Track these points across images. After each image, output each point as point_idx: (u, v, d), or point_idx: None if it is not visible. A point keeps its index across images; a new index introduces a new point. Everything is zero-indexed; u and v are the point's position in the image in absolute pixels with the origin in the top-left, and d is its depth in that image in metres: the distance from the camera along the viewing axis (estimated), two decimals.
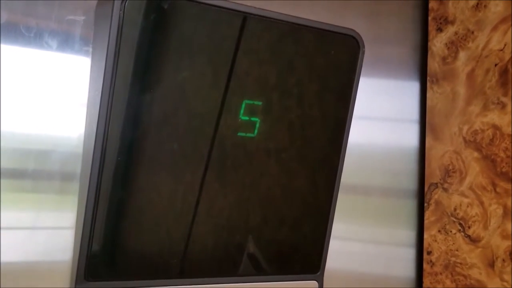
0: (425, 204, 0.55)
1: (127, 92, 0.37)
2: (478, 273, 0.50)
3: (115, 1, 0.36)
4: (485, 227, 0.50)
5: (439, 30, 0.55)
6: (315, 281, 0.47)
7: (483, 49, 0.51)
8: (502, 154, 0.48)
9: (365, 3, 0.56)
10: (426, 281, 0.55)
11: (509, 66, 0.48)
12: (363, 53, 0.45)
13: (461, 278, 0.52)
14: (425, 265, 0.55)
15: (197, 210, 0.41)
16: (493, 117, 0.49)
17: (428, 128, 0.56)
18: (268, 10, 0.41)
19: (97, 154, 0.37)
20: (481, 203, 0.50)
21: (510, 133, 0.48)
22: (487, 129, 0.50)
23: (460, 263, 0.52)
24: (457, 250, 0.52)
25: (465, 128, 0.52)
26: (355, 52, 0.45)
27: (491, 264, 0.49)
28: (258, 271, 0.44)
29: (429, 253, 0.55)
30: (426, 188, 0.55)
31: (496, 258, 0.49)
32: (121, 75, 0.37)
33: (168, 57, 0.38)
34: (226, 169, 0.42)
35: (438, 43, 0.55)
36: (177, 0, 0.38)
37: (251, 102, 0.42)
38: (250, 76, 0.41)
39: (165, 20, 0.38)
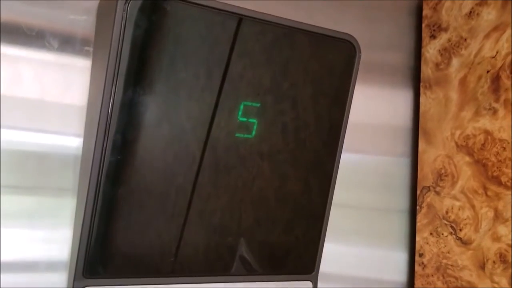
0: (417, 207, 0.56)
1: (129, 92, 0.37)
2: (469, 275, 0.51)
3: (119, 1, 0.36)
4: (476, 230, 0.51)
5: (433, 37, 0.56)
6: (309, 281, 0.47)
7: (475, 56, 0.52)
8: (493, 159, 0.50)
9: (361, 10, 0.57)
10: (418, 283, 0.56)
11: (500, 73, 0.50)
12: (360, 57, 0.46)
13: (452, 279, 0.52)
14: (416, 267, 0.56)
15: (191, 209, 0.41)
16: (485, 122, 0.50)
17: (421, 132, 0.57)
18: (268, 14, 0.42)
19: (97, 154, 0.37)
20: (473, 206, 0.51)
21: (501, 138, 0.49)
22: (479, 134, 0.51)
23: (452, 265, 0.53)
24: (448, 253, 0.53)
25: (457, 133, 0.53)
26: (352, 56, 0.46)
27: (482, 266, 0.50)
28: (254, 271, 0.45)
29: (421, 255, 0.55)
30: (418, 191, 0.56)
31: (487, 260, 0.50)
32: (123, 75, 0.37)
33: (169, 58, 0.39)
34: (224, 170, 0.42)
35: (431, 50, 0.56)
36: (179, 2, 0.38)
37: (249, 103, 0.43)
38: (248, 78, 0.42)
39: (167, 21, 0.38)
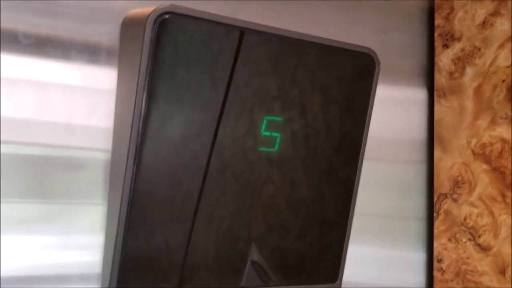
0: (435, 214, 0.57)
1: (157, 111, 0.38)
2: (489, 280, 0.52)
3: (148, 21, 0.37)
4: (496, 236, 0.52)
5: (446, 46, 0.57)
6: None
7: (490, 65, 0.53)
8: (510, 167, 0.51)
9: (374, 19, 0.58)
10: None
11: None
12: (379, 70, 0.47)
13: (472, 284, 0.53)
14: (435, 273, 0.57)
15: (222, 220, 0.42)
16: (501, 131, 0.52)
17: (436, 140, 0.58)
18: (295, 32, 0.43)
19: (129, 170, 0.38)
20: (491, 213, 0.52)
21: None
22: (496, 143, 0.52)
23: (471, 271, 0.54)
24: (468, 258, 0.54)
25: (474, 141, 0.54)
26: (371, 69, 0.47)
27: (502, 272, 0.51)
28: (275, 281, 0.46)
29: (439, 261, 0.56)
30: (435, 199, 0.57)
31: (507, 266, 0.51)
32: (153, 94, 0.38)
33: (198, 77, 0.40)
34: (249, 183, 0.43)
35: (444, 59, 0.57)
36: (209, 22, 0.39)
37: (272, 118, 0.44)
38: (270, 94, 0.43)
39: (194, 41, 0.39)
